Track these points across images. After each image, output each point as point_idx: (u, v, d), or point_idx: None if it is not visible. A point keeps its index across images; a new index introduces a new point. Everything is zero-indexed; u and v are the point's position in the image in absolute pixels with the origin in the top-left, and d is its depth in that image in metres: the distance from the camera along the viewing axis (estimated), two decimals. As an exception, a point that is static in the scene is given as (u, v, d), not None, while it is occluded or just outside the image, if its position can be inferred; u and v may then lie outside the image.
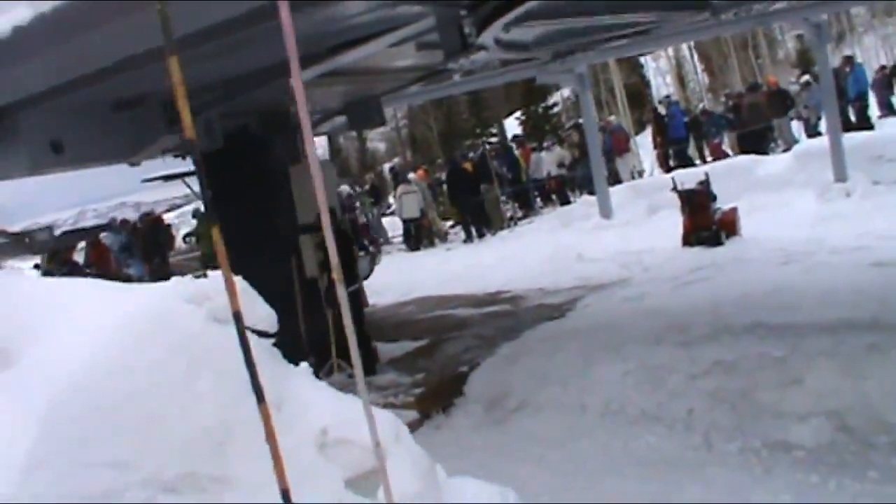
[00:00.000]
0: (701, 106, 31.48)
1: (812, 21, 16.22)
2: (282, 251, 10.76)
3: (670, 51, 58.86)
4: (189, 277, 3.80)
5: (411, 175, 26.50)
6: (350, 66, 9.07)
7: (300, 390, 3.56)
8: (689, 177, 15.87)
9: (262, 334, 3.61)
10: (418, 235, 24.70)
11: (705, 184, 14.65)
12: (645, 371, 8.16)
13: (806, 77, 26.77)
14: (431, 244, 24.48)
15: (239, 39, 6.95)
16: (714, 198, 14.55)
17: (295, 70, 3.06)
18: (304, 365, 3.82)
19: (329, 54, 8.02)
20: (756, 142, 23.42)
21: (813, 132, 24.40)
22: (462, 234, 24.15)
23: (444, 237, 25.37)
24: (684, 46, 58.04)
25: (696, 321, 9.20)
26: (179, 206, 50.70)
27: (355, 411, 3.30)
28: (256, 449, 3.08)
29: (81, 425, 3.07)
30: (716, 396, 7.51)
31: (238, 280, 3.30)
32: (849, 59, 25.38)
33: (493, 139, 49.33)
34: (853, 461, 6.26)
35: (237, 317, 2.85)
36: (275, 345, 3.76)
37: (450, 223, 26.69)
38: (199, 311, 3.53)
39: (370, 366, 10.07)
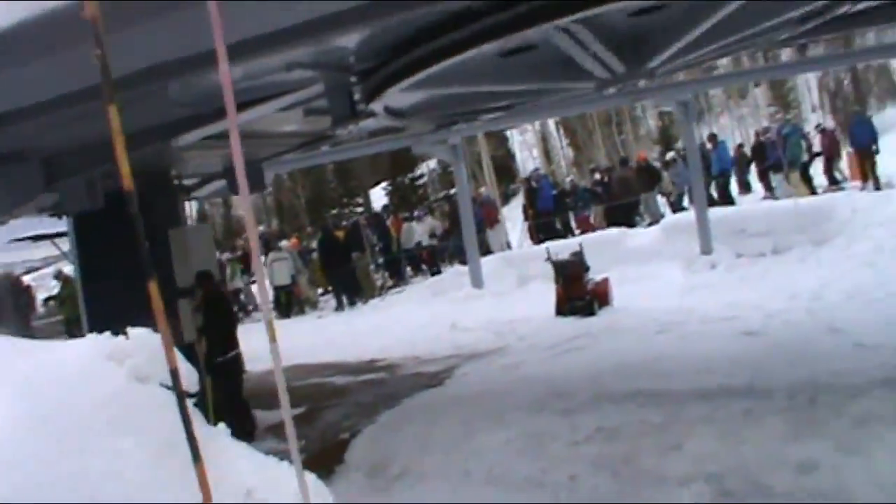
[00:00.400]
0: (569, 179, 32.12)
1: (680, 99, 16.84)
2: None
3: (536, 125, 60.20)
4: (106, 335, 3.67)
5: (283, 242, 26.33)
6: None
7: (223, 451, 3.45)
8: (562, 248, 16.15)
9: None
10: (289, 303, 24.48)
11: (579, 255, 14.92)
12: (527, 438, 8.18)
13: (671, 154, 27.64)
14: (302, 312, 24.30)
15: (122, 99, 6.83)
16: (587, 268, 14.82)
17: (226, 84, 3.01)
18: (222, 426, 3.71)
19: (217, 116, 7.93)
20: (623, 215, 24.00)
21: (677, 207, 25.18)
22: (333, 303, 24.02)
23: (314, 305, 25.19)
24: (550, 121, 59.41)
25: (576, 389, 9.31)
26: (38, 269, 49.03)
27: (279, 473, 3.22)
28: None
29: (2, 485, 2.92)
30: (598, 462, 7.55)
31: (157, 337, 3.21)
32: (713, 137, 26.37)
33: (360, 208, 49.51)
34: (733, 525, 6.38)
35: (174, 374, 2.76)
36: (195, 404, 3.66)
37: (320, 291, 26.51)
38: (119, 369, 3.41)
39: (249, 432, 9.86)
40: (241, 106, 7.91)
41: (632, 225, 22.68)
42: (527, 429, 8.34)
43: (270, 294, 25.62)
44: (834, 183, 26.16)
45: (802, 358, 9.24)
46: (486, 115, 10.48)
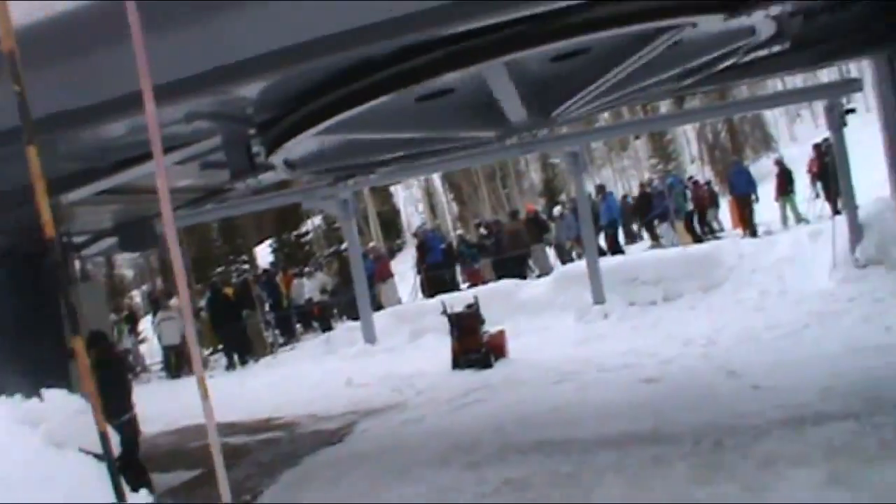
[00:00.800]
0: (457, 234, 32.31)
1: (569, 150, 17.06)
2: (52, 376, 10.03)
3: (422, 180, 60.69)
4: (17, 397, 3.42)
5: (173, 301, 25.71)
6: (125, 185, 8.73)
7: None
8: (456, 300, 16.09)
9: (99, 457, 3.27)
10: (179, 363, 23.89)
11: (474, 307, 14.88)
12: (434, 493, 8.01)
13: (558, 208, 28.08)
14: (191, 372, 23.70)
15: (7, 152, 6.55)
16: (483, 321, 14.77)
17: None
18: (143, 492, 3.50)
19: (112, 170, 7.69)
20: (512, 267, 24.14)
21: (566, 258, 25.48)
22: (224, 362, 23.52)
23: (204, 365, 24.62)
24: (435, 176, 59.91)
25: (481, 441, 9.21)
26: None
27: None
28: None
29: None
30: (505, 515, 7.47)
31: (76, 399, 3.01)
32: (601, 189, 26.87)
33: (246, 266, 48.95)
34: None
35: (104, 438, 2.58)
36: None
37: (209, 350, 25.96)
38: (33, 433, 3.16)
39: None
40: (137, 159, 7.70)
41: (522, 277, 22.81)
42: (433, 484, 8.19)
43: (156, 354, 25.05)
44: (711, 232, 26.90)
45: (703, 402, 9.32)
46: (383, 167, 10.39)
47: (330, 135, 7.37)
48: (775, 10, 5.97)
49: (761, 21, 6.47)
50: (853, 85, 15.32)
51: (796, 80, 45.09)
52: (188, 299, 3.01)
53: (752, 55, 8.46)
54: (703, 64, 7.98)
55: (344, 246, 24.12)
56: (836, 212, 20.16)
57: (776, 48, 8.49)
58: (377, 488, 8.40)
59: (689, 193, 27.28)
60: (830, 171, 22.90)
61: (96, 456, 3.23)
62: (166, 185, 2.93)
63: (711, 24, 6.19)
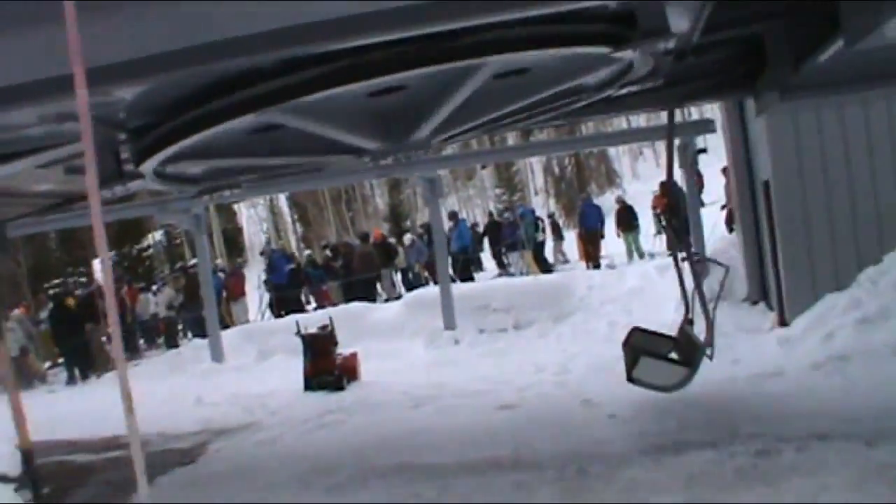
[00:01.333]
0: (307, 254, 32.08)
1: (426, 177, 17.12)
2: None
3: (266, 199, 60.21)
4: None
5: (16, 311, 24.63)
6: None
7: None
8: (310, 321, 15.92)
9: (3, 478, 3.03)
10: (18, 376, 22.82)
11: (329, 328, 14.73)
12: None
13: (409, 236, 28.23)
14: (30, 385, 22.66)
15: None
16: (336, 343, 14.64)
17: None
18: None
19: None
20: (361, 290, 24.11)
21: (414, 284, 25.57)
22: (64, 376, 22.62)
23: (43, 378, 23.58)
24: (281, 196, 59.46)
25: (340, 464, 9.04)
26: None
27: None
28: None
29: None
30: (368, 540, 7.38)
31: None
32: (454, 215, 27.09)
33: (84, 279, 47.41)
34: None
35: (28, 455, 2.38)
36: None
37: (48, 364, 24.94)
38: None
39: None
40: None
41: (371, 300, 22.80)
42: (294, 506, 8.04)
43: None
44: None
45: (562, 429, 9.42)
46: (250, 182, 10.17)
47: (198, 156, 7.17)
48: (658, 46, 6.05)
49: (639, 57, 6.56)
50: (707, 125, 15.87)
51: (640, 119, 46.89)
52: (114, 306, 2.81)
53: (620, 91, 8.59)
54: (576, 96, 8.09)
55: (192, 262, 23.58)
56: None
57: (641, 86, 8.65)
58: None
59: (540, 224, 27.77)
60: (678, 208, 23.76)
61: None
62: (96, 181, 2.74)
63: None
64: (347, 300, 22.78)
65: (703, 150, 16.23)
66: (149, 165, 7.10)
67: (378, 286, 25.87)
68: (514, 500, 7.33)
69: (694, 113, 24.90)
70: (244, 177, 9.25)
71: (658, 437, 8.51)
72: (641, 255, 26.05)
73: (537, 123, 10.38)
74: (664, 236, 25.28)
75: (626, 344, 10.28)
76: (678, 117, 12.95)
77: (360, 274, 25.10)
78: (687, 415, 9.16)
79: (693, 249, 15.32)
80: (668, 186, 20.59)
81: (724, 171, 23.15)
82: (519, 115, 8.24)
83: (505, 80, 6.90)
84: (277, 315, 24.12)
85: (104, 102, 6.03)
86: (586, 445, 8.60)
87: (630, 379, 9.74)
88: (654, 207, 26.81)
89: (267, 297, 26.62)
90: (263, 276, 27.74)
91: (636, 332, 10.62)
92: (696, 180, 23.85)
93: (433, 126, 7.28)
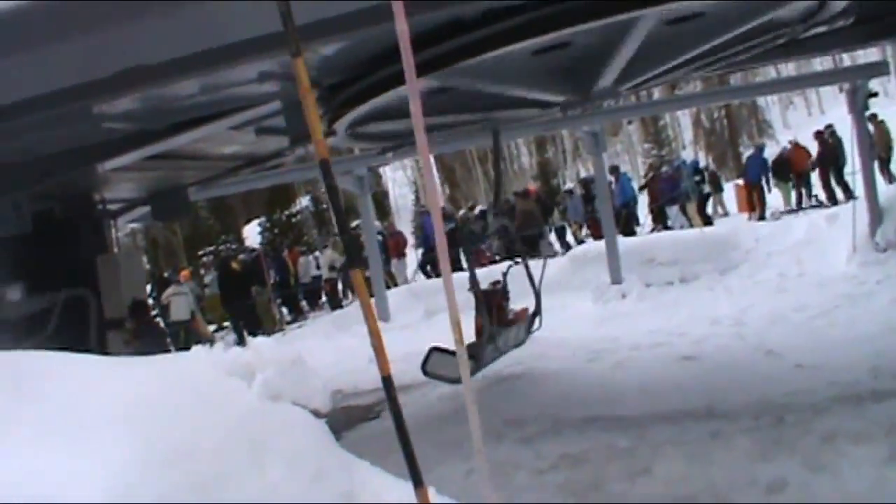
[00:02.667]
0: (461, 214, 32.12)
1: (589, 130, 17.07)
2: (87, 348, 9.98)
3: (411, 161, 60.53)
4: (219, 347, 3.34)
5: (182, 275, 25.57)
6: (169, 152, 8.65)
7: (369, 480, 3.21)
8: (481, 277, 16.10)
9: (314, 413, 3.23)
10: (187, 338, 23.75)
11: (501, 284, 14.87)
12: (490, 468, 8.02)
13: (568, 185, 28.04)
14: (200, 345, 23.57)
15: (49, 118, 6.50)
16: (508, 298, 14.76)
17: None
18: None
19: (165, 134, 7.60)
20: (525, 247, 24.13)
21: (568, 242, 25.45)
22: (231, 338, 23.41)
23: (212, 341, 24.47)
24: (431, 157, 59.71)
25: (529, 416, 9.21)
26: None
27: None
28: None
29: None
30: (565, 489, 7.45)
31: (285, 349, 2.99)
32: (615, 170, 26.75)
33: (234, 245, 48.62)
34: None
35: (388, 383, 2.58)
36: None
37: (213, 328, 25.83)
38: (247, 387, 3.07)
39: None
40: (195, 122, 7.64)
41: (535, 257, 22.80)
42: (488, 458, 8.17)
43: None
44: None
45: (749, 380, 9.34)
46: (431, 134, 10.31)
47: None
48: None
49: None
50: (879, 68, 15.32)
51: (789, 69, 45.48)
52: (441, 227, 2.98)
53: (807, 32, 8.42)
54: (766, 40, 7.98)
55: (355, 223, 24.00)
56: (849, 196, 20.26)
57: (830, 26, 8.45)
58: (429, 463, 8.33)
59: (705, 175, 27.24)
60: (840, 157, 23.11)
61: (310, 409, 3.20)
62: (420, 109, 2.90)
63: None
64: (508, 258, 22.84)
65: (875, 94, 15.64)
66: (345, 121, 7.28)
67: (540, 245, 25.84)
68: (712, 449, 7.36)
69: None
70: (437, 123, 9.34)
71: (852, 387, 8.37)
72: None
73: (725, 68, 10.21)
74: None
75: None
76: (846, 61, 12.58)
77: (522, 231, 25.07)
78: (879, 363, 8.97)
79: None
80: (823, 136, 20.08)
81: (872, 117, 22.51)
82: (707, 58, 8.14)
83: (681, 25, 6.88)
84: (428, 276, 24.38)
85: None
86: (778, 395, 8.52)
87: (425, 373, 9.94)
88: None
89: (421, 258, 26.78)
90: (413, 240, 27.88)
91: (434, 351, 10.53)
92: (878, 129, 23.15)
93: (614, 76, 7.30)
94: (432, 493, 3.21)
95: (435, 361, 9.93)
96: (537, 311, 10.37)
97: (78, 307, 9.90)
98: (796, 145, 26.57)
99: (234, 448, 2.82)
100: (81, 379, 3.03)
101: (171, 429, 2.77)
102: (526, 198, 27.18)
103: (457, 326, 3.09)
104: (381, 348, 2.77)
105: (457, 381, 9.39)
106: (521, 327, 11.02)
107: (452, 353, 9.90)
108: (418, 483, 2.75)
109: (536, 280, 10.67)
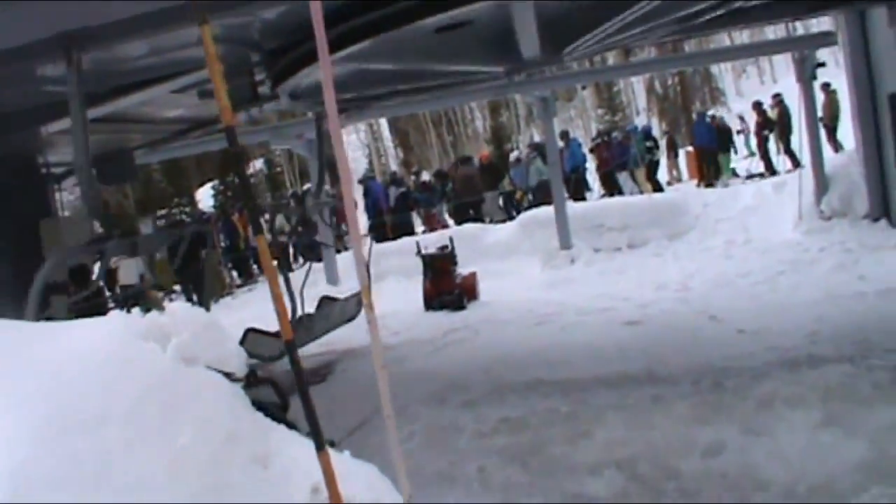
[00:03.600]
0: (413, 179, 32.08)
1: (539, 95, 17.05)
2: (29, 314, 9.81)
3: (367, 124, 60.27)
4: (135, 312, 3.29)
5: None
6: (113, 115, 8.54)
7: (284, 444, 3.17)
8: (429, 242, 16.14)
9: (228, 376, 3.19)
10: (136, 304, 23.54)
11: (448, 249, 14.93)
12: (432, 431, 8.04)
13: (515, 153, 28.01)
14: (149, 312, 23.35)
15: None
16: (456, 263, 14.84)
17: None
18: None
19: (110, 96, 7.49)
20: (467, 212, 24.22)
21: (519, 207, 25.41)
22: (179, 302, 23.18)
23: (160, 306, 24.23)
24: (383, 121, 59.61)
25: (473, 380, 9.24)
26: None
27: (345, 466, 3.02)
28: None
29: (57, 488, 2.49)
30: (506, 453, 7.49)
31: (201, 313, 2.94)
32: (565, 135, 26.76)
33: (187, 208, 48.26)
34: (647, 509, 6.43)
35: (291, 348, 2.55)
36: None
37: (161, 293, 25.59)
38: (161, 350, 3.03)
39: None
40: (139, 85, 7.54)
41: (479, 221, 22.85)
42: (431, 422, 8.21)
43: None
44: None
45: (691, 345, 9.49)
46: (379, 101, 10.27)
47: (343, 64, 7.21)
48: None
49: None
50: (828, 38, 15.44)
51: (743, 36, 45.68)
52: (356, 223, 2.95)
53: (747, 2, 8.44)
54: (707, 8, 7.98)
55: (305, 187, 23.84)
56: (795, 164, 20.49)
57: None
58: (369, 427, 8.37)
59: (656, 142, 27.35)
60: (786, 125, 23.31)
61: (224, 374, 3.17)
62: (331, 83, 2.86)
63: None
64: (459, 223, 22.93)
65: (823, 64, 15.76)
66: (287, 87, 7.22)
67: (484, 209, 25.87)
68: (652, 413, 7.43)
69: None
70: (380, 91, 9.32)
71: (791, 352, 8.50)
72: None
73: (660, 38, 10.24)
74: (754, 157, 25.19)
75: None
76: (800, 30, 12.65)
77: (462, 197, 25.13)
78: (818, 329, 9.14)
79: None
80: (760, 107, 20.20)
81: (824, 87, 22.69)
82: (643, 26, 8.12)
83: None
84: (377, 240, 24.41)
85: (239, 24, 6.16)
86: (718, 360, 8.63)
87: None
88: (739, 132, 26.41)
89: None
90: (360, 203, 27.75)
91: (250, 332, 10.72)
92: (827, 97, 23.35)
93: (534, 47, 7.30)
94: (344, 457, 3.17)
95: (251, 341, 10.18)
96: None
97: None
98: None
99: (144, 412, 2.78)
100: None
101: (80, 395, 2.72)
102: (466, 164, 27.19)
103: (366, 291, 3.06)
104: (283, 313, 2.72)
105: (273, 359, 9.62)
106: (352, 301, 11.55)
107: (266, 334, 10.32)
108: (320, 447, 2.73)
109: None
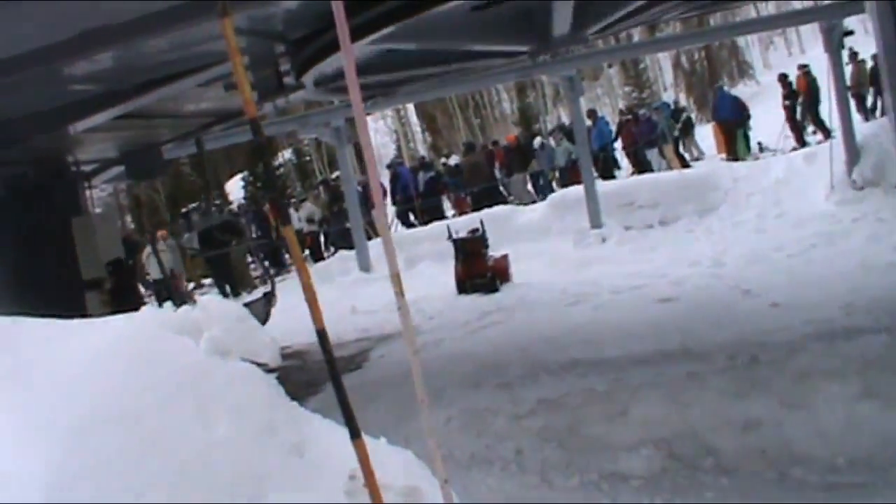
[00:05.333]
0: (443, 163, 31.99)
1: (565, 75, 16.99)
2: (65, 309, 9.92)
3: (394, 110, 60.14)
4: (167, 307, 3.35)
5: (161, 234, 25.44)
6: (139, 110, 8.59)
7: (319, 432, 3.20)
8: (459, 226, 16.14)
9: (260, 366, 3.22)
10: (169, 296, 23.67)
11: (479, 231, 14.93)
12: (468, 415, 8.07)
13: (538, 139, 27.86)
14: (184, 304, 23.47)
15: (17, 81, 6.44)
16: (487, 245, 14.84)
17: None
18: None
19: (135, 93, 7.54)
20: (488, 198, 24.17)
21: (547, 189, 25.30)
22: (212, 294, 23.35)
23: (192, 300, 24.35)
24: (410, 107, 59.57)
25: (509, 362, 9.24)
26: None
27: (381, 453, 3.05)
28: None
29: (93, 482, 2.55)
30: (543, 434, 7.52)
31: (234, 306, 2.98)
32: (592, 113, 26.58)
33: (217, 201, 48.32)
34: (687, 484, 6.41)
35: (323, 337, 2.58)
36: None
37: (192, 285, 25.74)
38: (195, 344, 3.07)
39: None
40: (165, 80, 7.58)
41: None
42: (467, 405, 8.23)
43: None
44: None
45: (726, 320, 9.42)
46: (405, 86, 10.28)
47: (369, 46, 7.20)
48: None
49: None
50: (855, 6, 15.24)
51: (769, 7, 45.21)
52: (383, 212, 2.98)
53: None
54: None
55: (334, 175, 23.85)
56: (827, 136, 20.27)
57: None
58: (407, 413, 8.37)
59: (683, 116, 27.13)
60: (813, 96, 23.08)
61: (258, 364, 3.20)
62: (355, 77, 2.87)
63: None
64: (476, 208, 22.85)
65: (851, 32, 15.58)
66: (311, 75, 7.24)
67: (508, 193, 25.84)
68: (688, 390, 7.42)
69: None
70: (404, 76, 9.33)
71: (826, 324, 8.45)
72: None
73: (685, 12, 10.17)
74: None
75: None
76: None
77: (470, 185, 25.11)
78: (853, 301, 9.06)
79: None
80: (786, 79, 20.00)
81: (852, 56, 22.42)
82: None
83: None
84: (408, 225, 24.39)
85: (262, 17, 6.18)
86: (754, 335, 8.58)
87: None
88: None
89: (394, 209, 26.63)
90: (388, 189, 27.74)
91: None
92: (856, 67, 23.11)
93: (567, 23, 7.26)
94: (380, 444, 3.20)
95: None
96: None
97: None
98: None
99: (180, 404, 2.82)
100: (29, 342, 3.04)
101: (117, 388, 2.77)
102: (471, 152, 27.12)
103: (396, 279, 3.07)
104: (314, 302, 2.74)
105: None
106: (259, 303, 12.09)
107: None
108: (355, 435, 2.75)
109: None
